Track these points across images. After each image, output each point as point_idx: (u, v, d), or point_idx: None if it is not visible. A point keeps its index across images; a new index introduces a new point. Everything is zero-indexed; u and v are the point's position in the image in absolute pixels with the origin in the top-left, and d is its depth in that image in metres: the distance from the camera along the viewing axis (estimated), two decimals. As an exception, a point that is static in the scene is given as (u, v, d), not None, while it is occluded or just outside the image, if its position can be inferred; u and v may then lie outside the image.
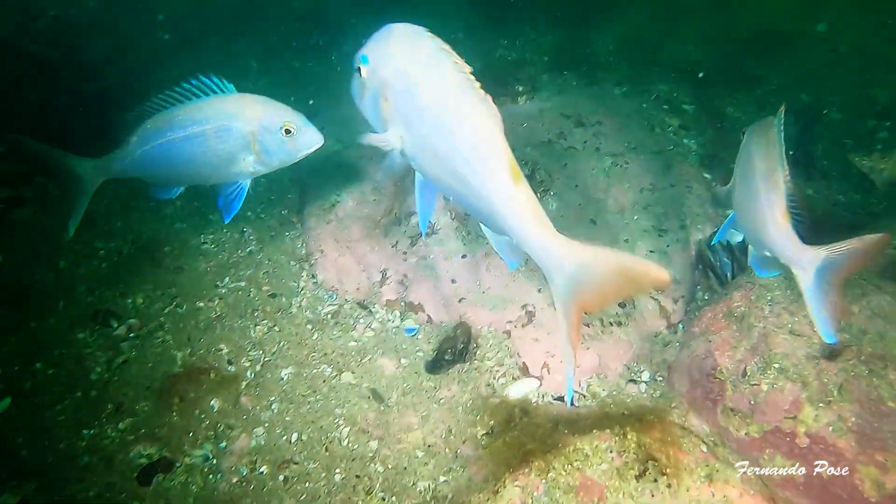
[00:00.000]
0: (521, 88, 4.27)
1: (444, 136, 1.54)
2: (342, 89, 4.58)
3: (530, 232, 1.52)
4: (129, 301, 3.24)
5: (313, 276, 3.29)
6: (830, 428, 1.99)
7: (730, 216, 2.42)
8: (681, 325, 2.89)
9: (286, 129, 2.27)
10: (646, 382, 2.64)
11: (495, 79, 4.43)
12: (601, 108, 4.22)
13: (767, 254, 2.08)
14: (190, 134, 2.34)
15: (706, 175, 3.69)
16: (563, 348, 1.53)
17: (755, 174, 2.05)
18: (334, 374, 2.77)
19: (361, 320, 3.03)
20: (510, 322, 2.82)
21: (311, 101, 4.65)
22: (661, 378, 2.65)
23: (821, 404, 2.04)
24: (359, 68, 1.72)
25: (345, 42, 5.37)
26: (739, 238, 3.09)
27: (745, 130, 2.26)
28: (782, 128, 2.04)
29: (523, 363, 2.70)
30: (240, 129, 2.30)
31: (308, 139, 2.31)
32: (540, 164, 3.51)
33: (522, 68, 4.73)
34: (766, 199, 1.99)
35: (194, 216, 3.74)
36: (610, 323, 2.78)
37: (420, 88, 1.56)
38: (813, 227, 2.86)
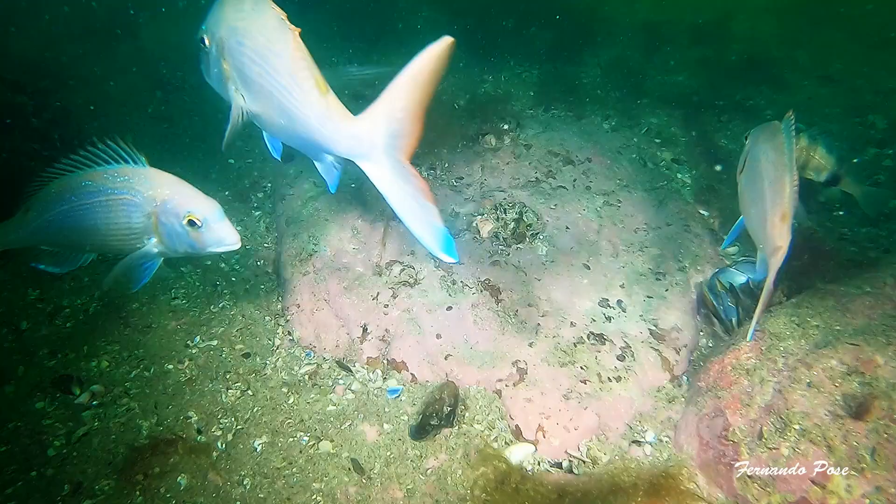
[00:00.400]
0: (505, 126, 4.12)
1: (267, 72, 1.74)
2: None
3: (339, 127, 1.71)
4: (94, 364, 3.01)
5: (289, 333, 3.07)
6: (867, 501, 1.78)
7: (738, 222, 2.38)
8: (685, 378, 2.68)
9: (189, 220, 2.05)
10: (651, 444, 2.43)
11: (480, 115, 4.30)
12: (590, 144, 4.08)
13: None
14: (92, 203, 2.12)
15: (702, 212, 3.53)
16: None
17: (762, 178, 2.08)
18: (311, 443, 2.54)
19: (341, 381, 2.82)
20: (500, 380, 2.61)
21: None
22: (667, 438, 2.44)
23: (852, 472, 1.83)
24: (202, 39, 1.91)
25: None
26: (742, 279, 2.91)
27: (748, 135, 2.28)
28: (792, 133, 2.04)
29: (516, 426, 2.48)
30: (141, 207, 2.09)
31: (217, 237, 2.08)
32: (528, 205, 3.34)
33: (507, 104, 4.59)
34: (771, 202, 2.04)
35: (165, 269, 3.53)
36: (608, 378, 2.57)
37: (245, 38, 1.75)
38: (816, 263, 2.67)
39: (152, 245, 2.17)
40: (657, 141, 4.28)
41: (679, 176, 3.97)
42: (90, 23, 5.96)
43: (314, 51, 4.95)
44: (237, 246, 2.16)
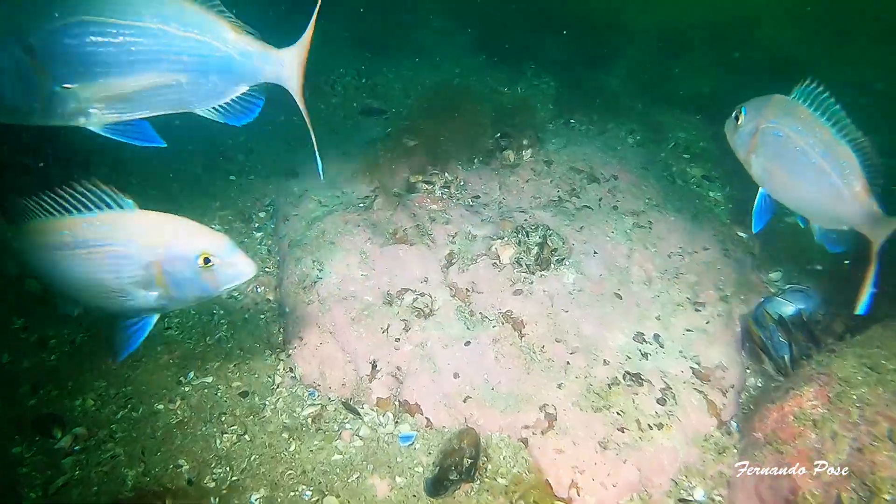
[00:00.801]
0: (525, 141, 3.86)
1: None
2: (329, 143, 4.18)
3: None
4: (78, 403, 2.75)
5: (291, 369, 2.80)
6: None
7: (760, 195, 2.30)
8: (734, 424, 2.39)
9: (204, 259, 1.82)
10: (700, 503, 2.13)
11: (496, 128, 4.04)
12: (615, 160, 3.81)
13: (843, 228, 2.10)
14: (74, 255, 1.86)
15: (741, 234, 3.24)
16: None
17: (807, 154, 2.03)
18: (315, 498, 2.26)
19: (348, 425, 2.54)
20: (527, 427, 2.33)
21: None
22: (719, 498, 2.15)
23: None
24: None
25: (332, 94, 4.99)
26: (792, 310, 2.62)
27: (739, 113, 2.24)
28: (824, 98, 2.01)
29: (545, 481, 2.20)
30: (139, 258, 1.83)
31: (234, 271, 1.87)
32: (552, 228, 3.06)
33: (525, 116, 4.33)
34: (838, 174, 1.99)
35: (159, 296, 3.27)
36: (649, 425, 2.28)
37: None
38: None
39: (153, 299, 1.91)
40: (686, 156, 4.01)
41: (711, 194, 3.70)
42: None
43: (324, 59, 4.69)
44: (253, 275, 1.90)
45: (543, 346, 2.60)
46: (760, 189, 2.28)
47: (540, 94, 4.78)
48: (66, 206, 1.86)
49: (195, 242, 1.83)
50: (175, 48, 1.88)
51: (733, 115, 2.28)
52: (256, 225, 3.70)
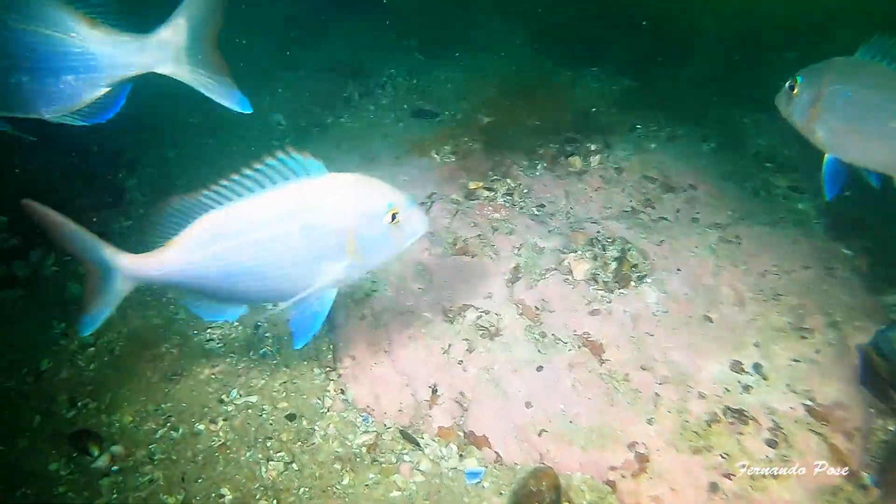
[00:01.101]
0: (593, 147, 3.57)
1: None
2: (381, 147, 3.96)
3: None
4: (116, 418, 2.56)
5: (342, 391, 2.55)
6: None
7: (827, 162, 2.17)
8: (868, 477, 2.04)
9: (392, 215, 1.71)
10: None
11: (559, 133, 3.76)
12: (690, 168, 3.50)
13: None
14: (266, 237, 1.68)
15: (846, 251, 2.89)
16: None
17: (886, 108, 1.96)
18: (371, 542, 2.00)
19: (406, 457, 2.28)
20: (614, 468, 2.04)
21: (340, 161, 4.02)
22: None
23: None
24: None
25: (382, 95, 4.77)
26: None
27: (795, 83, 2.15)
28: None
29: (639, 535, 1.90)
30: (334, 224, 1.69)
31: (414, 226, 1.79)
32: (630, 241, 2.76)
33: (589, 120, 4.05)
34: None
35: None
36: (763, 475, 1.96)
37: None
38: None
39: (341, 270, 1.78)
40: (768, 165, 3.67)
41: (801, 206, 3.35)
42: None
43: (375, 59, 4.47)
44: (427, 230, 1.82)
45: (627, 375, 2.30)
46: (826, 156, 2.17)
47: (604, 97, 4.47)
48: (237, 188, 1.73)
49: (383, 198, 1.70)
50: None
51: (786, 85, 2.19)
52: (305, 231, 3.48)
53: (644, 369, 2.31)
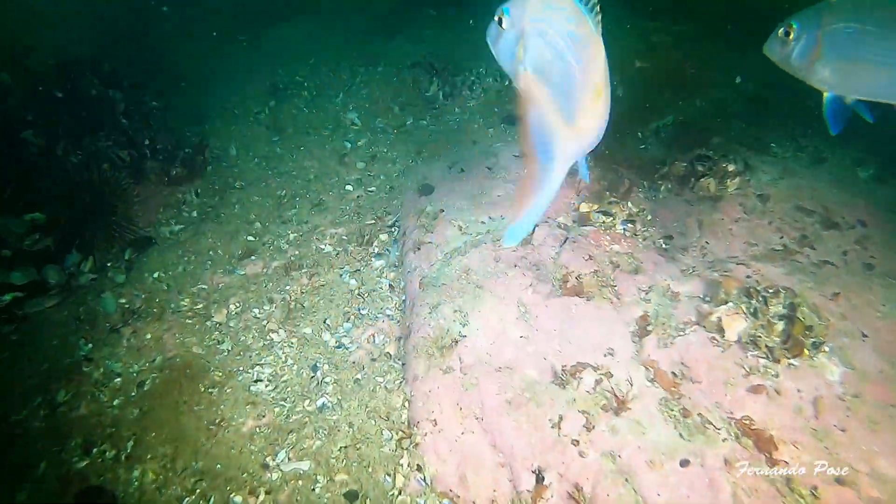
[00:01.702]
0: (731, 167, 2.91)
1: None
2: (468, 155, 3.40)
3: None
4: (136, 475, 2.07)
5: (419, 467, 1.99)
6: None
7: (827, 99, 2.14)
8: None
9: None
10: None
11: (680, 146, 3.13)
12: (851, 199, 2.80)
13: None
14: None
15: None
16: None
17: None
18: None
19: (504, 576, 1.69)
20: None
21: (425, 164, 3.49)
22: None
23: None
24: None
25: (470, 97, 4.21)
26: None
27: (790, 27, 2.12)
28: None
29: None
30: None
31: None
32: (798, 294, 2.10)
33: (712, 133, 3.38)
34: None
35: (251, 331, 2.57)
36: None
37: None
38: None
39: None
40: (955, 200, 2.92)
41: None
42: (216, 24, 5.32)
43: (462, 56, 3.88)
44: None
45: (816, 488, 1.65)
46: (826, 94, 2.17)
47: (727, 106, 3.79)
48: None
49: None
50: None
51: (780, 32, 2.17)
52: (376, 250, 2.95)
53: (840, 483, 1.66)
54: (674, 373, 2.01)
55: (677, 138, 3.40)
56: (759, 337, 2.00)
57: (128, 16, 4.72)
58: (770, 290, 2.13)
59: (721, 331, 2.06)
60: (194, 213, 3.43)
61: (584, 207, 2.69)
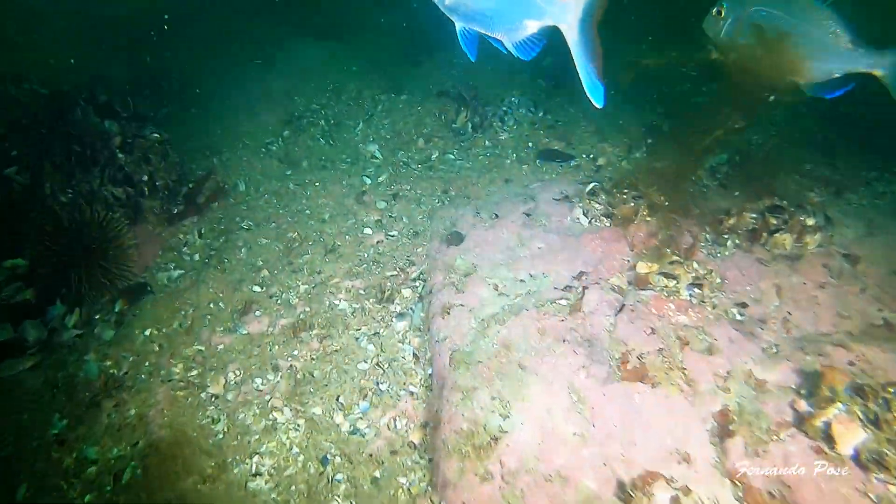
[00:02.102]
0: (810, 221, 2.51)
1: None
2: (501, 195, 3.02)
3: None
4: None
5: None
6: None
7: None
8: None
9: None
10: None
11: (745, 189, 2.75)
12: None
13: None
14: None
15: None
16: None
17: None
18: None
19: None
20: None
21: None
22: None
23: None
24: None
25: (501, 129, 3.85)
26: None
27: (722, 6, 2.45)
28: None
29: None
30: None
31: None
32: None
33: (780, 175, 2.99)
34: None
35: (251, 407, 2.20)
36: None
37: None
38: None
39: None
40: None
41: None
42: (230, 42, 5.01)
43: (493, 84, 3.56)
44: None
45: None
46: None
47: (795, 137, 3.41)
48: None
49: None
50: None
51: (714, 11, 2.46)
52: (398, 309, 2.57)
53: None
54: (770, 493, 1.60)
55: (738, 181, 3.01)
56: (887, 455, 1.59)
57: (133, 32, 4.41)
58: (886, 387, 1.72)
59: (831, 441, 1.65)
60: (196, 257, 3.08)
61: (641, 267, 2.30)
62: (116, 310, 2.73)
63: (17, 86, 3.02)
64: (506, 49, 1.90)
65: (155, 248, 3.12)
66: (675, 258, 2.34)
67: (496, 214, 2.79)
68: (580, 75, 1.78)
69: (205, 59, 4.70)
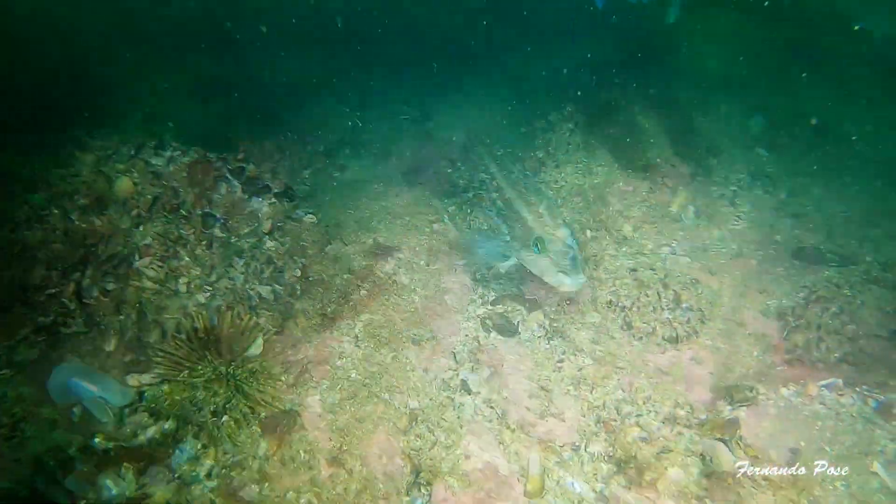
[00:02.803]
0: None
1: None
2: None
3: None
4: None
5: None
6: None
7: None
8: None
9: None
10: None
11: None
12: None
13: None
14: None
15: None
16: None
17: None
18: None
19: None
20: None
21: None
22: None
23: None
24: None
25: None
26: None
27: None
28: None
29: None
30: None
31: None
32: None
33: None
34: None
35: None
36: None
37: None
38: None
39: None
40: None
41: None
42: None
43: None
44: None
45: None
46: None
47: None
48: None
49: None
50: None
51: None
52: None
53: None
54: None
55: None
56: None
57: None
58: None
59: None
60: (353, 374, 2.41)
61: None
62: (261, 453, 2.08)
63: (158, 154, 2.48)
64: None
65: (302, 359, 2.47)
66: None
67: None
68: None
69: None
